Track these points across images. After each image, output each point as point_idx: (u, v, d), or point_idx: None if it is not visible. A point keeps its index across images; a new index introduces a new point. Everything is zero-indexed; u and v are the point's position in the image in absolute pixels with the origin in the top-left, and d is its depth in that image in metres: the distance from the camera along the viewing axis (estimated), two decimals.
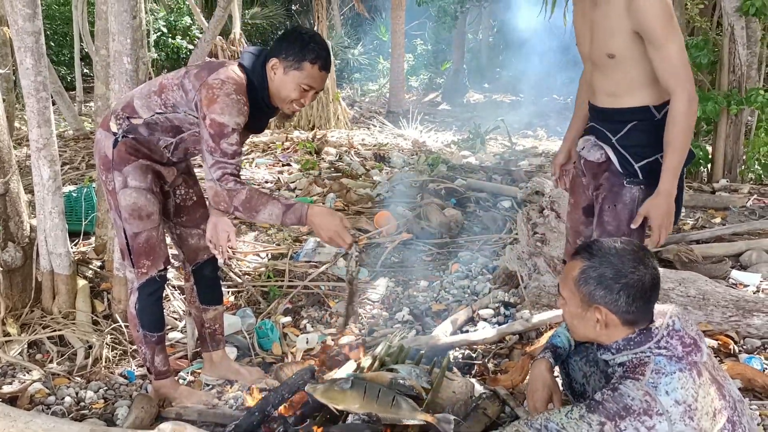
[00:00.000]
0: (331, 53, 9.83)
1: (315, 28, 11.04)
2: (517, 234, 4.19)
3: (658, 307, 1.65)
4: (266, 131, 9.25)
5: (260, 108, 2.27)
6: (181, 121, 2.31)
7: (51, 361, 2.92)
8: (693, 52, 5.11)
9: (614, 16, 2.02)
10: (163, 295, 2.75)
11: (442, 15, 15.63)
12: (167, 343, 2.87)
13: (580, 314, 1.62)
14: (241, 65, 2.24)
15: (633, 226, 2.14)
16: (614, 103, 2.17)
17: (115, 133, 2.35)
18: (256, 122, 2.33)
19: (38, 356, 3.00)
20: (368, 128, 11.39)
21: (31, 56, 3.00)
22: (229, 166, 2.12)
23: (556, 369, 2.03)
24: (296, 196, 5.46)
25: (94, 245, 3.86)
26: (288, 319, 3.43)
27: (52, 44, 14.75)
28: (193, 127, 2.31)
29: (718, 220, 4.56)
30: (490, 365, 2.83)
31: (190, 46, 15.15)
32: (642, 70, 2.06)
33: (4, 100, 3.51)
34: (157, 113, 2.30)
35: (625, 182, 2.17)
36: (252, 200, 2.10)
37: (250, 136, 2.56)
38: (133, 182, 2.35)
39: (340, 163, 6.88)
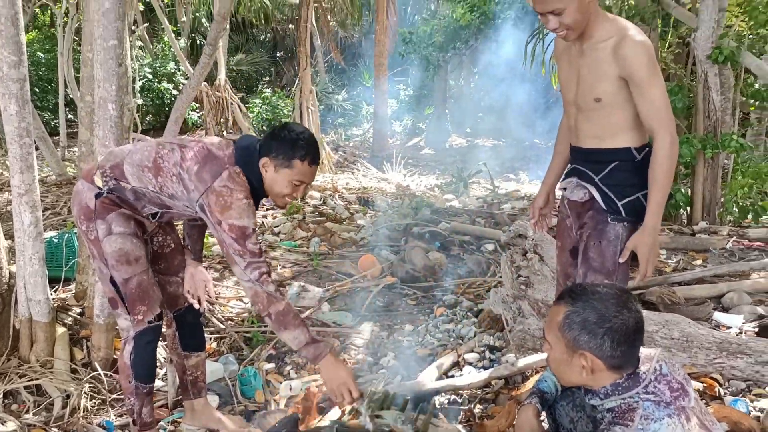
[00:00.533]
0: (312, 96, 9.93)
1: (299, 74, 11.19)
2: (501, 277, 4.21)
3: (644, 351, 1.65)
4: None
5: (258, 200, 2.37)
6: (175, 206, 2.35)
7: (27, 412, 2.84)
8: (668, 97, 5.24)
9: (601, 63, 2.13)
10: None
11: (425, 63, 15.97)
12: None
13: (565, 360, 1.62)
14: (237, 163, 2.29)
15: (621, 260, 2.22)
16: (598, 144, 2.26)
17: (99, 188, 2.34)
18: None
19: (14, 406, 2.91)
20: (352, 172, 11.47)
21: (16, 103, 3.01)
22: (263, 265, 2.21)
23: (543, 414, 2.01)
24: (281, 240, 5.45)
25: (74, 291, 3.80)
26: (271, 365, 3.38)
27: (37, 90, 14.80)
28: (186, 210, 2.35)
29: (699, 262, 4.61)
30: (476, 410, 2.80)
31: (175, 91, 15.28)
32: (625, 113, 2.17)
33: None
34: (150, 190, 2.32)
35: (609, 219, 2.25)
36: (287, 315, 2.22)
37: None
38: (117, 228, 2.33)
39: (325, 207, 6.90)
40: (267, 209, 6.71)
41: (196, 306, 2.63)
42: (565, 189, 2.45)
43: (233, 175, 2.22)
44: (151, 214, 2.41)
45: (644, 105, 2.10)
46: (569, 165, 2.49)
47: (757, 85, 5.69)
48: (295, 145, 2.22)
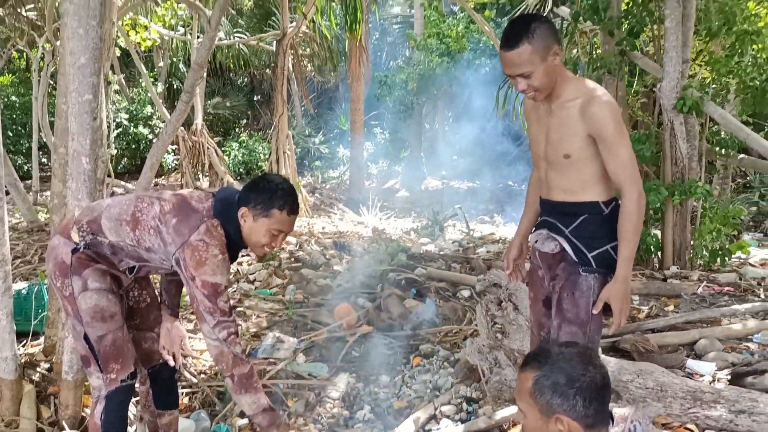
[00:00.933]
0: (288, 140, 9.96)
1: (276, 120, 11.27)
2: (477, 325, 4.20)
3: (617, 411, 1.66)
4: None
5: (237, 250, 2.38)
6: (152, 259, 2.34)
7: None
8: (636, 145, 5.38)
9: (570, 122, 2.23)
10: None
11: (400, 107, 16.24)
12: None
13: (541, 427, 1.62)
14: (215, 216, 2.30)
15: (594, 312, 2.27)
16: (567, 197, 2.34)
17: (76, 243, 2.32)
18: (230, 256, 2.39)
19: None
20: (329, 216, 11.49)
21: None
22: (232, 325, 2.21)
23: None
24: (256, 288, 5.40)
25: (43, 346, 3.71)
26: (244, 421, 3.31)
27: (10, 134, 14.70)
28: (163, 264, 2.35)
29: (671, 308, 4.67)
30: None
31: (151, 135, 15.28)
32: (593, 169, 2.26)
33: None
34: (127, 243, 2.31)
35: (580, 271, 2.31)
36: (250, 379, 2.22)
37: None
38: (93, 284, 2.31)
39: (301, 253, 6.87)
40: (243, 255, 6.67)
41: (171, 363, 2.60)
42: (536, 241, 2.50)
43: (210, 228, 2.22)
44: (129, 268, 2.39)
45: (612, 161, 2.20)
46: (540, 217, 2.54)
47: (722, 134, 5.87)
48: (274, 194, 2.23)
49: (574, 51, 6.68)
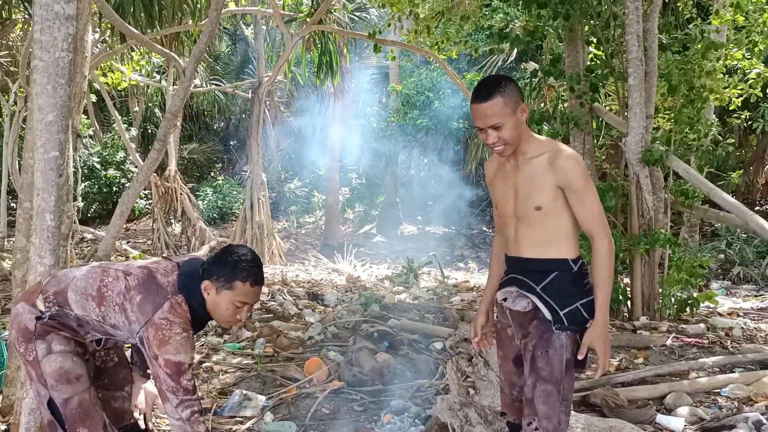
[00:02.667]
0: (263, 187, 9.92)
1: (250, 165, 11.30)
2: (448, 379, 4.17)
3: None
4: None
5: (203, 323, 2.37)
6: (117, 335, 2.34)
7: None
8: (601, 195, 5.49)
9: (539, 175, 2.32)
10: None
11: (376, 154, 16.42)
12: None
13: None
14: (180, 290, 2.29)
15: (580, 357, 2.33)
16: (538, 253, 2.38)
17: (41, 312, 2.29)
18: (196, 329, 2.38)
19: None
20: (303, 263, 11.42)
21: None
22: (195, 404, 2.19)
23: None
24: (224, 341, 5.31)
25: (0, 405, 3.58)
26: None
27: None
28: (128, 340, 2.34)
29: (641, 360, 4.69)
30: None
31: (124, 179, 15.17)
32: (562, 221, 2.34)
33: None
34: (93, 318, 2.29)
35: (554, 329, 2.34)
36: None
37: None
38: (57, 347, 2.29)
39: (273, 303, 6.80)
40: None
41: (142, 424, 2.58)
42: (504, 299, 2.51)
43: (174, 305, 2.21)
44: (95, 340, 2.37)
45: (582, 210, 2.30)
46: (506, 275, 2.55)
47: (686, 186, 6.01)
48: (237, 266, 2.23)
49: (542, 104, 6.85)
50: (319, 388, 4.26)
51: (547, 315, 2.34)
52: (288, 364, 4.69)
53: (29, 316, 2.28)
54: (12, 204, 13.73)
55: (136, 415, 2.57)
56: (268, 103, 11.79)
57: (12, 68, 10.81)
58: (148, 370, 2.56)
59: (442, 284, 8.85)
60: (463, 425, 3.39)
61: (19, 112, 10.17)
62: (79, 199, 11.10)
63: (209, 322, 2.52)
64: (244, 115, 19.62)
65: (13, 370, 3.47)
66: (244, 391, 4.04)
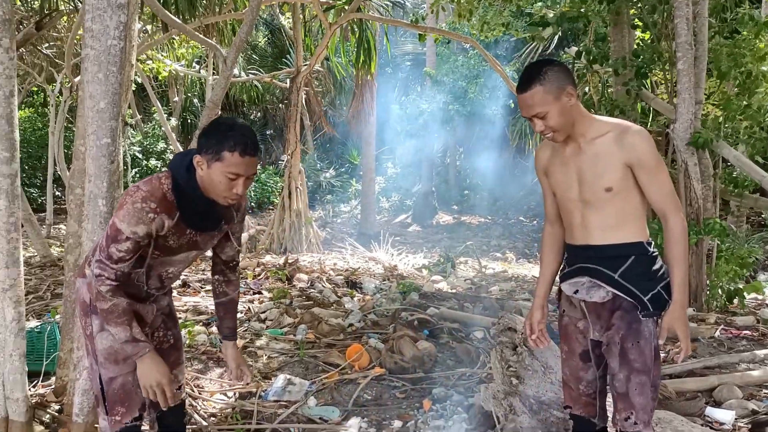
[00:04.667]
0: (301, 176, 9.90)
1: (288, 154, 11.37)
2: (491, 368, 4.14)
3: None
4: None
5: (197, 206, 2.25)
6: None
7: None
8: None
9: (605, 154, 2.24)
10: None
11: (411, 141, 16.35)
12: None
13: None
14: (169, 167, 2.26)
15: (661, 342, 2.25)
16: (610, 238, 2.30)
17: (89, 279, 2.33)
18: (199, 221, 2.31)
19: None
20: (340, 252, 11.47)
21: (6, 198, 3.02)
22: (108, 270, 2.15)
23: None
24: (267, 327, 5.37)
25: (53, 387, 3.69)
26: None
27: (26, 167, 14.88)
28: (149, 248, 2.27)
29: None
30: None
31: (165, 168, 15.43)
32: (634, 202, 2.27)
33: None
34: None
35: (641, 317, 2.26)
36: (111, 314, 2.16)
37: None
38: None
39: (312, 290, 6.85)
40: (254, 293, 6.66)
41: (245, 381, 2.67)
42: (575, 291, 2.41)
43: (153, 179, 2.19)
44: (140, 279, 2.33)
45: (654, 189, 2.23)
46: (570, 265, 2.45)
47: (736, 174, 5.84)
48: (224, 136, 2.11)
49: (587, 89, 6.71)
50: (360, 375, 4.27)
51: (632, 303, 2.26)
52: (330, 350, 4.72)
53: (84, 289, 2.33)
54: (57, 193, 14.12)
55: (236, 378, 2.63)
56: (305, 92, 11.83)
57: (57, 60, 11.04)
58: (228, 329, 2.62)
59: (480, 274, 8.80)
60: (507, 414, 3.37)
61: (65, 102, 10.42)
62: (129, 185, 11.30)
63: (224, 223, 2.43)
64: (280, 105, 19.77)
65: (65, 353, 3.57)
66: (288, 376, 4.08)
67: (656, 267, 2.27)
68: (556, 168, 2.41)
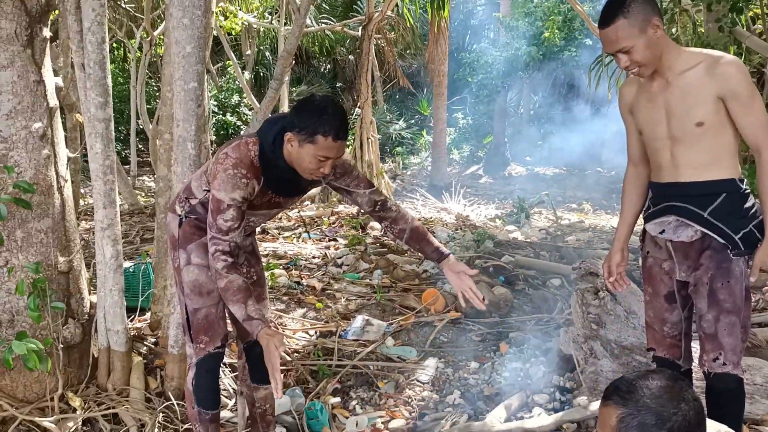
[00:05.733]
0: (372, 127, 9.88)
1: (359, 105, 11.37)
2: (569, 314, 4.11)
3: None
4: (312, 205, 9.42)
5: (281, 174, 2.29)
6: None
7: None
8: None
9: (696, 87, 2.14)
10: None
11: (483, 90, 15.97)
12: None
13: None
14: (258, 134, 2.30)
15: (752, 280, 2.17)
16: (701, 176, 2.21)
17: (179, 215, 2.45)
18: (283, 187, 2.36)
19: None
20: (411, 202, 11.49)
21: (101, 141, 3.17)
22: (222, 243, 2.19)
23: None
24: (343, 272, 5.50)
25: (149, 321, 3.93)
26: (337, 399, 3.39)
27: None
28: None
29: None
30: None
31: (239, 122, 15.76)
32: (727, 137, 2.18)
33: (73, 182, 3.68)
34: (206, 191, 2.37)
35: (731, 255, 2.18)
36: (227, 292, 2.18)
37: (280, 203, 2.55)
38: (196, 259, 2.42)
39: (386, 238, 6.93)
40: (329, 240, 6.80)
41: (478, 304, 2.47)
42: (661, 231, 2.34)
43: (241, 144, 2.24)
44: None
45: (748, 121, 2.12)
46: (656, 205, 2.37)
47: None
48: (319, 120, 2.14)
49: (674, 30, 6.34)
50: (436, 318, 4.33)
51: (722, 241, 2.18)
52: (406, 294, 4.80)
53: (173, 224, 2.46)
54: (139, 146, 14.70)
55: (468, 296, 2.45)
56: (376, 40, 11.71)
57: (137, 14, 11.33)
58: None
59: (556, 224, 8.65)
60: (587, 358, 3.36)
61: (145, 55, 10.73)
62: (211, 132, 11.61)
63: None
64: (350, 56, 19.68)
65: (159, 289, 3.77)
66: (366, 317, 4.19)
67: (748, 205, 2.19)
68: (642, 105, 2.32)
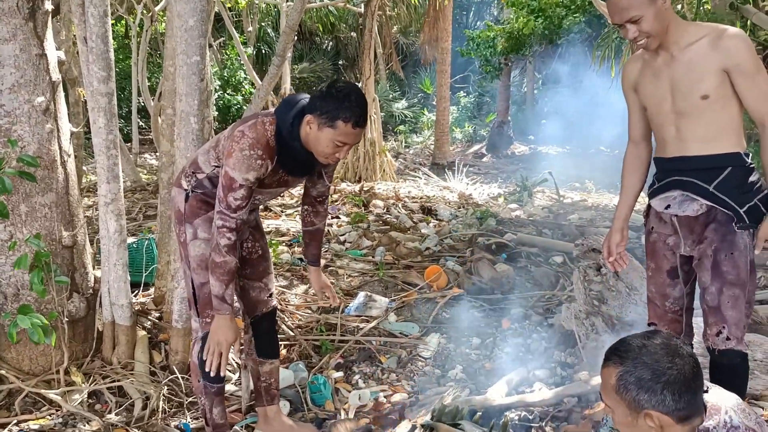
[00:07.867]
0: (374, 104, 9.90)
1: (361, 82, 11.30)
2: (571, 291, 4.13)
3: (711, 401, 1.57)
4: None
5: (296, 154, 2.32)
6: None
7: (110, 412, 2.97)
8: None
9: (700, 60, 2.13)
10: None
11: (486, 67, 15.84)
12: None
13: (630, 423, 1.53)
14: (275, 113, 2.30)
15: (757, 252, 2.19)
16: (706, 149, 2.21)
17: (185, 190, 2.45)
18: (297, 167, 2.39)
19: (97, 406, 3.05)
20: (414, 180, 11.48)
21: (104, 116, 3.16)
22: (229, 220, 2.24)
23: None
24: (346, 249, 5.51)
25: (153, 296, 3.95)
26: (340, 374, 3.42)
27: None
28: None
29: None
30: (548, 429, 2.75)
31: (240, 98, 15.68)
32: (732, 110, 2.17)
33: (76, 157, 3.68)
34: (214, 166, 2.38)
35: (736, 228, 2.19)
36: (218, 268, 2.26)
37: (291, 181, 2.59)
38: (202, 234, 2.42)
39: (388, 216, 6.93)
40: (332, 217, 6.80)
41: (333, 303, 2.85)
42: (667, 206, 2.33)
43: (258, 123, 2.23)
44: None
45: (753, 93, 2.12)
46: (661, 180, 2.36)
47: None
48: (341, 105, 2.16)
49: (679, 6, 6.27)
50: (439, 294, 4.35)
51: (727, 214, 2.19)
52: (408, 271, 4.82)
53: (179, 198, 2.45)
54: (141, 123, 14.64)
55: (324, 298, 2.82)
56: (379, 17, 11.61)
57: None
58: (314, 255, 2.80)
59: (558, 203, 8.64)
60: (588, 333, 3.38)
61: (146, 31, 10.64)
62: (213, 108, 11.55)
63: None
64: (353, 33, 19.53)
65: (163, 265, 3.79)
66: (369, 293, 4.21)
67: (753, 179, 2.19)
68: (647, 80, 2.31)
